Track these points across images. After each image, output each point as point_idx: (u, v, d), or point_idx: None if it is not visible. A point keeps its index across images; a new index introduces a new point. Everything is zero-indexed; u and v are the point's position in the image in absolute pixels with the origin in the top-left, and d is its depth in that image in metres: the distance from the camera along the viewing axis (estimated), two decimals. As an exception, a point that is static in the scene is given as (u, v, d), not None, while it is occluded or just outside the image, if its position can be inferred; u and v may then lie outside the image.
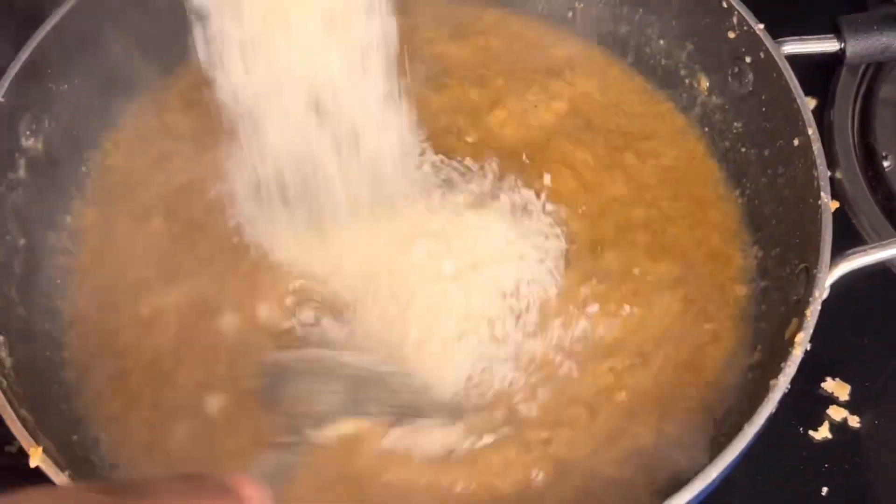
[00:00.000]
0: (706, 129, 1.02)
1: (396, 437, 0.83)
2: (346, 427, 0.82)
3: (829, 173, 0.86)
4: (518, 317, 0.89)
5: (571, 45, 1.09)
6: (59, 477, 0.73)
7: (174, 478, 0.61)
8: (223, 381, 0.87)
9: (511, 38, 1.09)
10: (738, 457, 0.74)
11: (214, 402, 0.86)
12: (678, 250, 0.93)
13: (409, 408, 0.85)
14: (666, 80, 1.05)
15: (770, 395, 0.76)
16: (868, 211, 1.03)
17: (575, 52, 1.08)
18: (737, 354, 0.88)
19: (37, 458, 0.74)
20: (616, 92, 1.06)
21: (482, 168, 0.98)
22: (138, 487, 0.54)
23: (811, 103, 1.06)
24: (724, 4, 0.96)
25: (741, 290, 0.92)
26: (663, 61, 1.04)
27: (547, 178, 0.97)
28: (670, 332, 0.89)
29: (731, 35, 0.96)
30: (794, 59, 0.92)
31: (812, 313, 0.79)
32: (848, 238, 0.93)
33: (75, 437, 0.85)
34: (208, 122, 0.91)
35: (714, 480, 0.73)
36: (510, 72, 1.06)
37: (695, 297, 0.91)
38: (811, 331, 0.79)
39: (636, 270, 0.92)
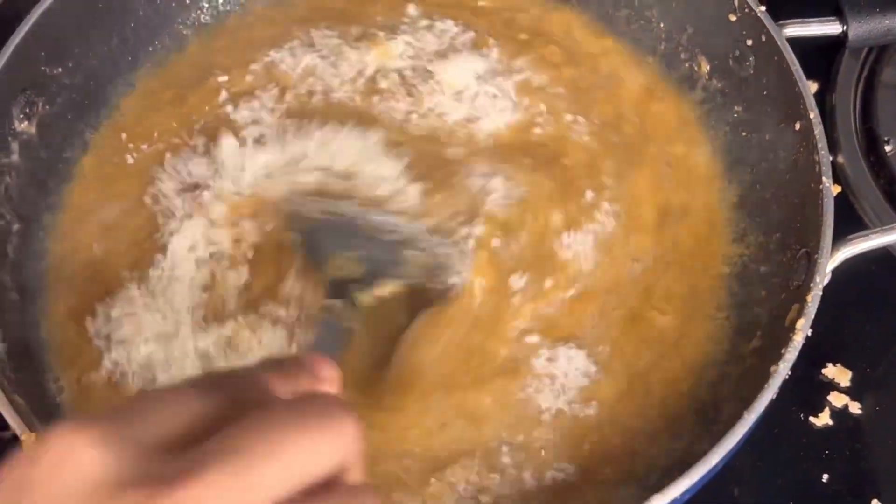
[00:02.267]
0: (706, 113, 1.00)
1: None
2: (388, 289, 0.83)
3: (830, 157, 0.85)
4: None
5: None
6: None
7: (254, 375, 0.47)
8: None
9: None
10: (738, 444, 0.73)
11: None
12: (674, 234, 0.93)
13: (443, 267, 0.86)
14: (666, 63, 1.04)
15: (770, 381, 0.75)
16: (870, 195, 1.02)
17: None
18: (736, 341, 0.88)
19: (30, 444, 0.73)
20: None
21: None
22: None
23: (812, 87, 1.05)
24: (725, -14, 0.95)
25: (741, 276, 0.91)
26: (663, 45, 1.03)
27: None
28: (667, 319, 0.89)
29: (732, 18, 0.95)
30: (795, 43, 0.91)
31: (813, 299, 0.78)
32: (849, 223, 0.93)
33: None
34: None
35: (714, 467, 0.72)
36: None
37: (692, 282, 0.91)
38: (812, 317, 0.78)
39: (629, 251, 0.92)
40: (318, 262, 0.84)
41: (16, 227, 0.91)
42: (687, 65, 1.02)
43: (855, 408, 0.93)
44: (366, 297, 0.82)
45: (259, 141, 0.95)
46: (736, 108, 0.98)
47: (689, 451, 0.81)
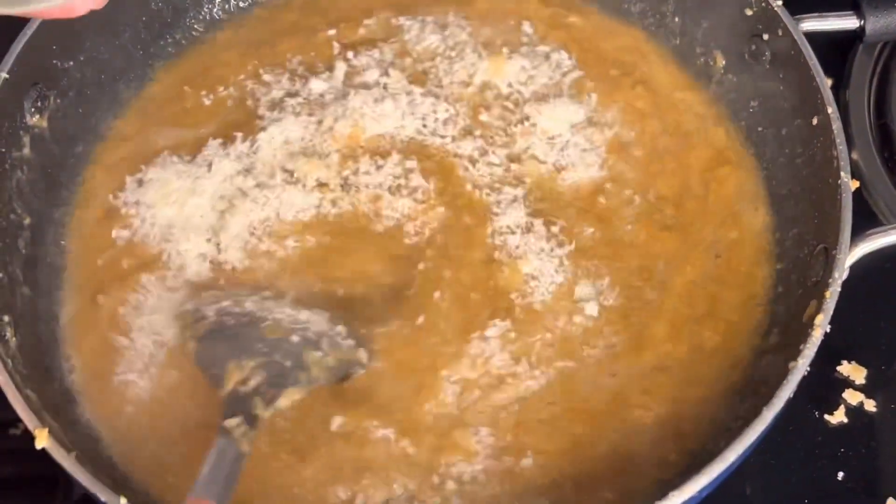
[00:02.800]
0: (722, 108, 1.00)
1: None
2: (292, 398, 0.81)
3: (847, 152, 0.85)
4: None
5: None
6: (66, 459, 0.72)
7: None
8: None
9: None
10: (756, 440, 0.73)
11: None
12: (692, 230, 0.92)
13: (346, 363, 0.84)
14: (681, 57, 1.03)
15: (789, 377, 0.75)
16: (885, 192, 1.02)
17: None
18: (753, 338, 0.87)
19: (43, 440, 0.73)
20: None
21: None
22: None
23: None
24: (742, -20, 0.94)
25: (757, 272, 0.91)
26: (678, 39, 1.03)
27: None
28: (685, 314, 0.88)
29: (749, 12, 0.94)
30: (810, 38, 0.91)
31: (832, 294, 0.78)
32: (864, 219, 0.92)
33: (81, 418, 0.84)
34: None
35: (732, 463, 0.72)
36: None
37: (710, 278, 0.90)
38: (831, 312, 0.78)
39: (652, 196, 0.93)
40: (214, 375, 0.81)
41: (27, 221, 0.90)
42: (702, 59, 1.01)
43: (870, 405, 0.93)
44: (267, 412, 0.79)
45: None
46: (752, 103, 0.97)
47: (706, 449, 0.81)
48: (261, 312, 0.85)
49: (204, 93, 1.02)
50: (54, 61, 0.94)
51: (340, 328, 0.86)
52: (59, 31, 0.93)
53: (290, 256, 0.91)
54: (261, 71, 1.03)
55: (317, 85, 1.00)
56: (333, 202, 0.93)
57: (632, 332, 0.87)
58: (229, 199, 0.93)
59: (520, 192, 0.93)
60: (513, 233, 0.91)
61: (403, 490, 0.80)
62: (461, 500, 0.80)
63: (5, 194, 0.88)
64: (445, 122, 0.98)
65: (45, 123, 0.93)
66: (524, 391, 0.84)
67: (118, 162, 0.98)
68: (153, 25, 1.04)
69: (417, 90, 0.99)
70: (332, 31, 1.05)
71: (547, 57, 1.02)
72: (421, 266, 0.90)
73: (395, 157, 0.95)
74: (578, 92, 0.99)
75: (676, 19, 1.02)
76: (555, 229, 0.91)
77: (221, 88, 1.03)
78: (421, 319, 0.87)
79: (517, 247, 0.90)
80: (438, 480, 0.81)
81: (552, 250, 0.90)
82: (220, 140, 0.97)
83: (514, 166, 0.95)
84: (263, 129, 0.97)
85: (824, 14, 0.94)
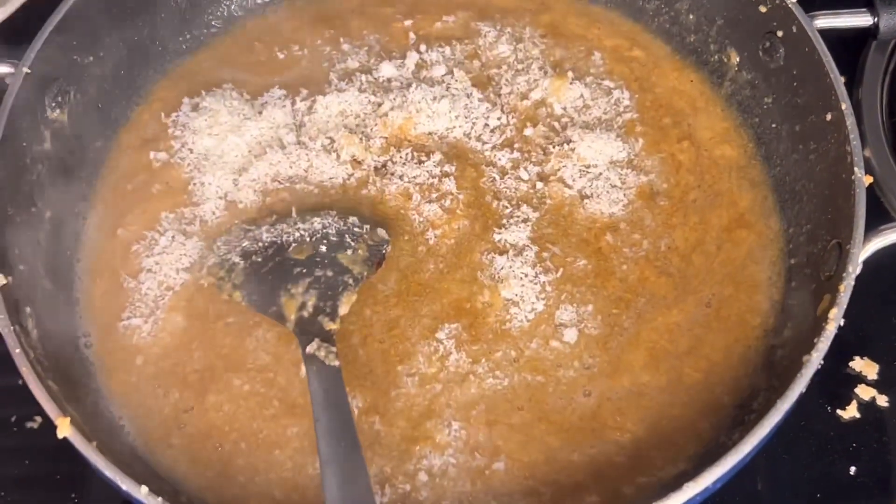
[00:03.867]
0: (736, 105, 1.00)
1: None
2: (349, 302, 0.85)
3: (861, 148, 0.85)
4: None
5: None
6: (87, 448, 0.73)
7: None
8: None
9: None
10: (769, 432, 0.73)
11: None
12: (692, 282, 0.91)
13: (377, 247, 0.89)
14: (695, 55, 1.04)
15: (803, 370, 0.75)
16: (896, 188, 1.02)
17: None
18: (767, 332, 0.88)
19: (65, 429, 0.74)
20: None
21: None
22: None
23: (839, 81, 1.05)
24: (755, -22, 0.95)
25: (771, 267, 0.91)
26: (692, 37, 1.03)
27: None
28: (666, 348, 0.88)
29: (763, 9, 0.95)
30: (822, 36, 0.91)
31: (846, 288, 0.79)
32: (876, 216, 0.92)
33: (100, 407, 0.85)
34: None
35: (746, 456, 0.72)
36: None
37: (697, 322, 0.89)
38: (845, 306, 0.78)
39: (663, 245, 0.92)
40: (274, 313, 0.85)
41: (48, 214, 0.91)
42: (716, 57, 1.02)
43: (882, 401, 0.93)
44: (335, 325, 0.83)
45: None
46: (766, 99, 0.98)
47: (720, 441, 0.81)
48: (280, 238, 0.89)
49: (277, 48, 1.06)
50: (74, 57, 0.95)
51: (352, 218, 0.90)
52: (79, 27, 0.94)
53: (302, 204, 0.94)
54: (341, 39, 1.06)
55: (387, 69, 1.03)
56: (363, 182, 0.95)
57: (610, 357, 0.87)
58: (265, 146, 0.96)
59: (535, 214, 0.94)
60: (502, 253, 0.91)
61: (379, 471, 0.82)
62: (431, 493, 0.81)
63: (26, 188, 0.89)
64: (493, 130, 0.99)
65: (65, 118, 0.94)
66: (488, 389, 0.85)
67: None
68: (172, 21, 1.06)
69: (476, 94, 1.00)
70: (408, 22, 1.08)
71: (609, 92, 1.02)
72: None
73: (437, 156, 0.96)
74: (627, 132, 0.99)
75: (691, 16, 1.03)
76: (545, 255, 0.91)
77: (297, 48, 1.06)
78: (394, 312, 0.89)
79: (501, 268, 0.90)
80: (412, 468, 0.82)
81: (536, 276, 0.90)
82: (284, 91, 1.01)
83: (539, 185, 0.95)
84: (327, 93, 1.00)
85: (838, 11, 0.95)
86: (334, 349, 0.80)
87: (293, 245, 0.88)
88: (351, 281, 0.86)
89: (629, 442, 0.83)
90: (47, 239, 0.90)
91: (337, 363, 0.79)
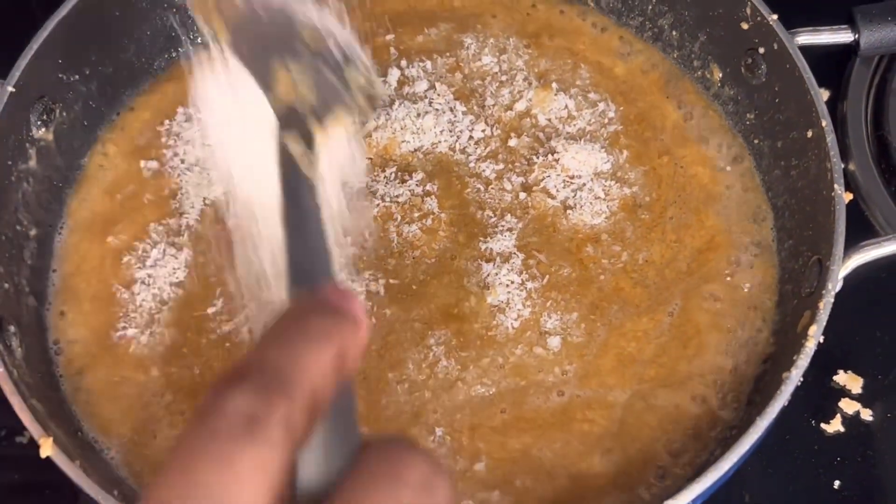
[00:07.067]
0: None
1: None
2: (340, 121, 0.74)
3: (842, 165, 0.85)
4: None
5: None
6: (71, 467, 0.73)
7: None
8: None
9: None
10: (749, 449, 0.74)
11: None
12: (663, 295, 0.91)
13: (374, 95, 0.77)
14: (678, 70, 1.04)
15: (783, 387, 0.75)
16: (881, 203, 1.02)
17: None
18: (749, 347, 0.88)
19: (47, 448, 0.74)
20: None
21: None
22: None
23: (824, 95, 1.05)
24: (738, -5, 0.95)
25: (753, 283, 0.91)
26: (676, 52, 1.04)
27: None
28: (632, 355, 0.89)
29: (745, 26, 0.95)
30: (807, 50, 0.91)
31: (825, 305, 0.79)
32: (861, 230, 0.93)
33: (84, 426, 0.85)
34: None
35: (726, 473, 0.73)
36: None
37: (706, 290, 0.91)
38: (824, 323, 0.78)
39: (641, 258, 0.93)
40: (259, 72, 0.72)
41: (33, 232, 0.92)
42: (699, 72, 1.02)
43: (866, 414, 0.93)
44: (319, 134, 0.71)
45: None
46: (748, 115, 0.98)
47: (700, 458, 0.81)
48: (296, 16, 0.75)
49: None
50: (60, 75, 0.95)
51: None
52: (64, 44, 0.94)
53: None
54: None
55: None
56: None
57: (583, 362, 0.87)
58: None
59: (518, 224, 0.94)
60: (489, 260, 0.91)
61: None
62: None
63: (11, 206, 0.89)
64: (478, 142, 0.99)
65: (51, 136, 0.94)
66: (475, 396, 0.85)
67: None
68: (158, 39, 1.05)
69: (460, 107, 1.00)
70: (389, 37, 1.06)
71: (594, 104, 1.02)
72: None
73: (420, 175, 0.96)
74: (612, 144, 0.99)
75: (674, 32, 1.03)
76: (531, 262, 0.91)
77: None
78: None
79: (487, 275, 0.90)
80: None
81: (522, 283, 0.90)
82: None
83: (522, 195, 0.95)
84: None
85: (819, 28, 0.95)
86: (313, 159, 0.68)
87: (308, 29, 0.75)
88: (348, 101, 0.75)
89: (600, 436, 0.84)
90: (32, 257, 0.91)
91: (310, 175, 0.67)
